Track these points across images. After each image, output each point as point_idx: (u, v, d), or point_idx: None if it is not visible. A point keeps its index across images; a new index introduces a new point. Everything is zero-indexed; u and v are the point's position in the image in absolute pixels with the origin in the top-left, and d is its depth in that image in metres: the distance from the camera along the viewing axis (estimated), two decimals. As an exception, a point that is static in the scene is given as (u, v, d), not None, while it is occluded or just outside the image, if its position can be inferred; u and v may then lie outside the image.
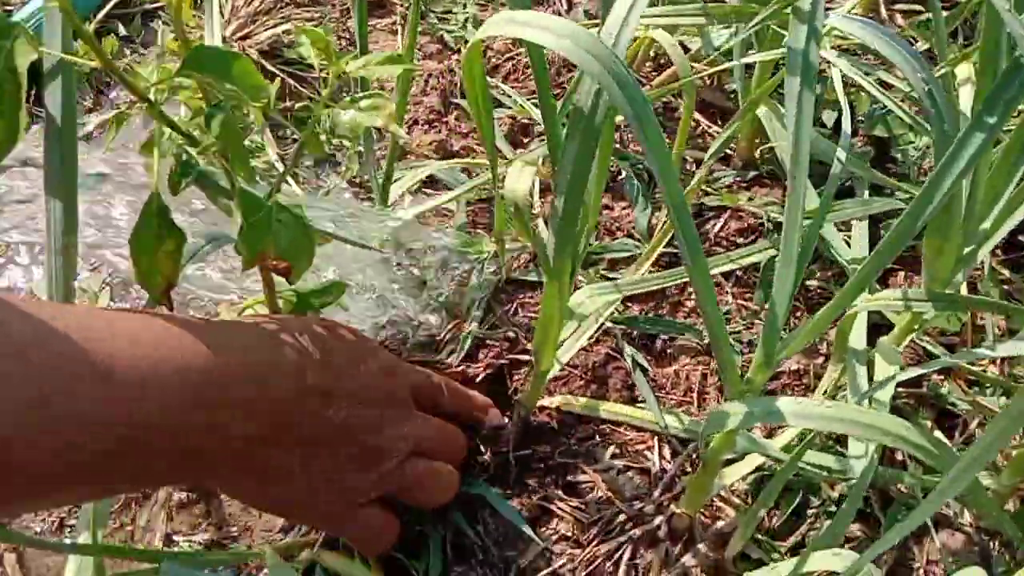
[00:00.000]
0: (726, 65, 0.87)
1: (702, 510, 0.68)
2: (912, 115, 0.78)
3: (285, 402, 0.52)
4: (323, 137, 0.57)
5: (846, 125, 0.56)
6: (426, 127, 0.90)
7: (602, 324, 0.77)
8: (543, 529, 0.67)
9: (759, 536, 0.67)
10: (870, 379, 0.68)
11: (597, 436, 0.72)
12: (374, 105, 0.54)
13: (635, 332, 0.79)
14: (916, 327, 0.66)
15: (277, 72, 0.95)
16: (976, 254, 0.61)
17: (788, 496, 0.70)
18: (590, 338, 0.76)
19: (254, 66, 0.52)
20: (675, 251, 0.84)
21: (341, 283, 0.64)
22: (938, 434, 0.73)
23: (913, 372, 0.60)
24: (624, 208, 0.88)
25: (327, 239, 0.61)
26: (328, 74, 0.56)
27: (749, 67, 0.85)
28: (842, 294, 0.50)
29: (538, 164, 0.68)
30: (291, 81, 0.95)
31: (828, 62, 0.64)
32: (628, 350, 0.77)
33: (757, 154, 0.89)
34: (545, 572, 0.65)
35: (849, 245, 0.80)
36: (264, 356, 0.53)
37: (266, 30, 0.99)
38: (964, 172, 0.45)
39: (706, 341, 0.78)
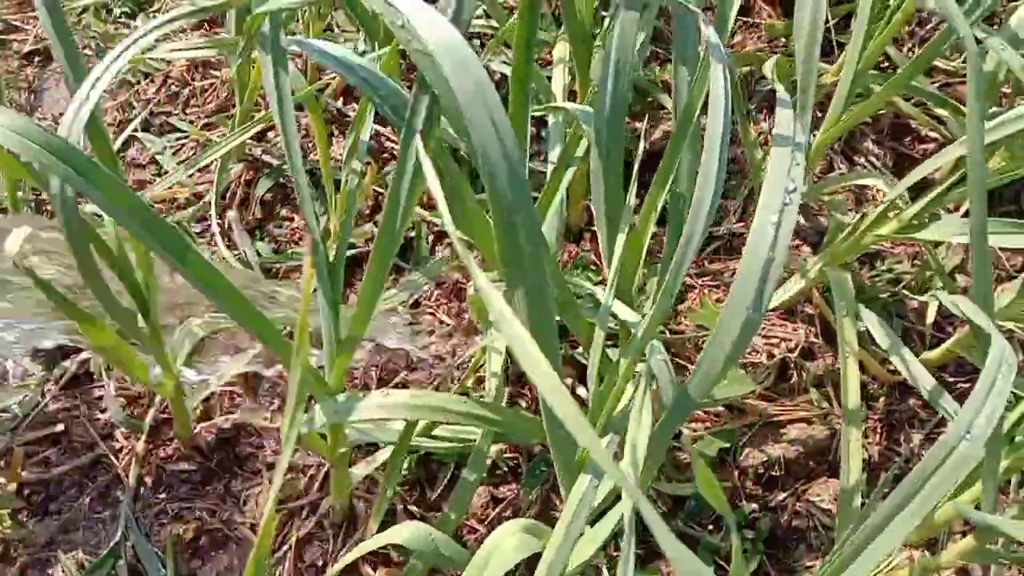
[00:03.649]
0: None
1: (363, 496, 0.73)
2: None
3: None
4: None
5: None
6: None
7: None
8: (210, 547, 0.72)
9: (414, 509, 0.73)
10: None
11: (255, 445, 0.76)
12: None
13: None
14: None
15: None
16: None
17: (443, 470, 0.75)
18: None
19: None
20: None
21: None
22: (580, 390, 0.80)
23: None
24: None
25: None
26: None
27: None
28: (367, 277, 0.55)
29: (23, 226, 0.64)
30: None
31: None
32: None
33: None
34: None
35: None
36: None
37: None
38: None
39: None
